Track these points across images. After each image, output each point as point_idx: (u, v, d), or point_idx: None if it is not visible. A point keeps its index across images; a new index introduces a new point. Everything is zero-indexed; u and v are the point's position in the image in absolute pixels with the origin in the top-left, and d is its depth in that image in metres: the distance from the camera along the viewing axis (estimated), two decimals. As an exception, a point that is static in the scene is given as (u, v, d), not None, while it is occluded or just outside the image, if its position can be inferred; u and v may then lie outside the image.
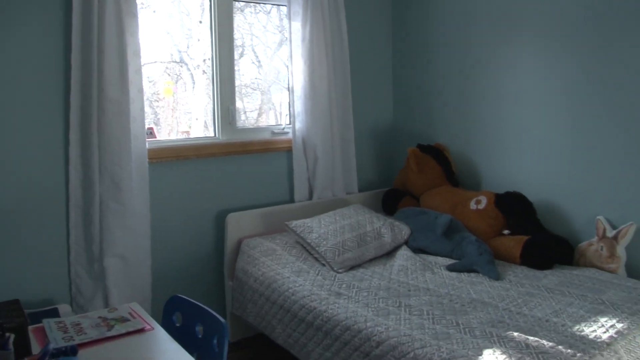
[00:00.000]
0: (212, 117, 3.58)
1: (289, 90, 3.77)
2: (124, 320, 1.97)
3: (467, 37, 3.79)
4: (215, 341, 1.83)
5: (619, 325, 2.31)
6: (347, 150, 3.99)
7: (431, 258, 3.24)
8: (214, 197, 3.49)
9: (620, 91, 3.06)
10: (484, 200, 3.39)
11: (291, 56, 3.69)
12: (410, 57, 4.19)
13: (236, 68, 3.64)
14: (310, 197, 3.84)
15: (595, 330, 2.27)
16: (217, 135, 3.57)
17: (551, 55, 3.35)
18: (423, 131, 4.16)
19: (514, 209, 3.31)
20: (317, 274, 3.00)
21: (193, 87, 3.62)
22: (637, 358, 2.20)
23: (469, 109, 3.84)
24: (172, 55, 3.54)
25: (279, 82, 3.91)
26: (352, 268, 3.12)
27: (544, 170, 3.45)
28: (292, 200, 3.81)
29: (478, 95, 3.77)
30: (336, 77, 3.86)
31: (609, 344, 2.17)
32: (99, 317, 2.00)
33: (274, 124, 3.96)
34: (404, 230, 3.42)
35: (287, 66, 3.76)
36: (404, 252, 3.27)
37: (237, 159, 3.56)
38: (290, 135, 3.78)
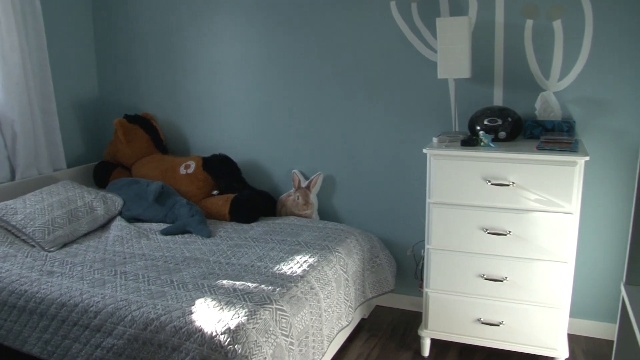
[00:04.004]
0: None
1: (-27, 63, 3.44)
2: None
3: (168, 6, 3.86)
4: None
5: (311, 260, 2.73)
6: (50, 124, 3.78)
7: (146, 225, 3.34)
8: None
9: (304, 59, 3.48)
10: (192, 165, 3.57)
11: (-28, 25, 3.36)
12: (112, 25, 4.11)
13: None
14: (13, 177, 3.59)
15: (292, 267, 2.64)
16: None
17: (245, 28, 3.62)
18: (130, 101, 4.16)
19: (221, 170, 3.56)
20: (27, 256, 2.88)
21: None
22: (325, 284, 2.64)
23: (173, 77, 3.95)
24: None
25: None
26: (65, 245, 3.07)
27: (246, 132, 3.76)
28: (-9, 183, 3.53)
29: (181, 64, 3.89)
30: (30, 47, 3.61)
31: (302, 276, 2.56)
32: None
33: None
34: (116, 202, 3.44)
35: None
36: (118, 223, 3.30)
37: None
38: (-19, 113, 3.47)
